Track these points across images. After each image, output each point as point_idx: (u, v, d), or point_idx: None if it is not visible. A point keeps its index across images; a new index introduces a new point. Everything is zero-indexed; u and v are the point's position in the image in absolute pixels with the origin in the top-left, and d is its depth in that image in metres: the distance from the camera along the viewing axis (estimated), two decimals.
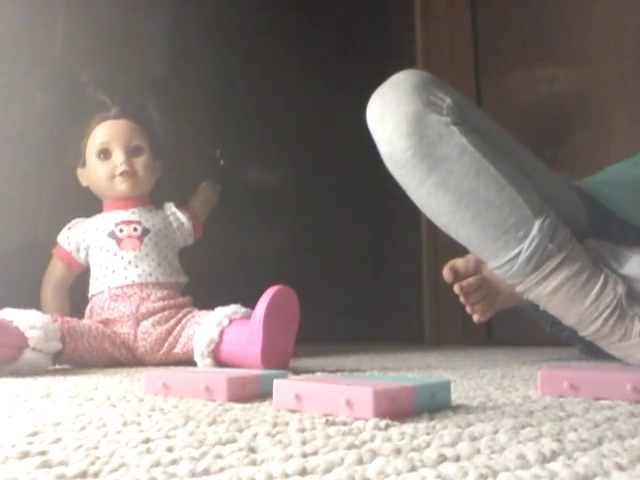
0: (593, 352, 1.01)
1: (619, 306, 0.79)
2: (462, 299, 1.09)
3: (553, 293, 0.80)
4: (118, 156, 1.10)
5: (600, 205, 0.97)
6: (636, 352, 0.79)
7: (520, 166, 0.84)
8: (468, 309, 1.10)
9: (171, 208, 1.15)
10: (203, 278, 1.23)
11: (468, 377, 0.78)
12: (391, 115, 0.80)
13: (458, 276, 1.08)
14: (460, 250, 0.94)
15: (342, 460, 0.32)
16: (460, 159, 0.79)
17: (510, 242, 0.79)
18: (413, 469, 0.30)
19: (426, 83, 0.82)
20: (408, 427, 0.41)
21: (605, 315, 0.79)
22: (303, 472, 0.30)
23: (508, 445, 0.36)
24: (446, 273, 1.09)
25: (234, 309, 0.94)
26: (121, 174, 1.09)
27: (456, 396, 0.57)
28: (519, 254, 0.79)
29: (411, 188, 0.82)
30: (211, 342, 0.91)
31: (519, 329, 1.27)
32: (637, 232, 0.95)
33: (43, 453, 0.33)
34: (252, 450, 0.34)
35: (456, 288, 1.08)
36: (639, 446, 0.36)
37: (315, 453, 0.34)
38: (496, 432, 0.40)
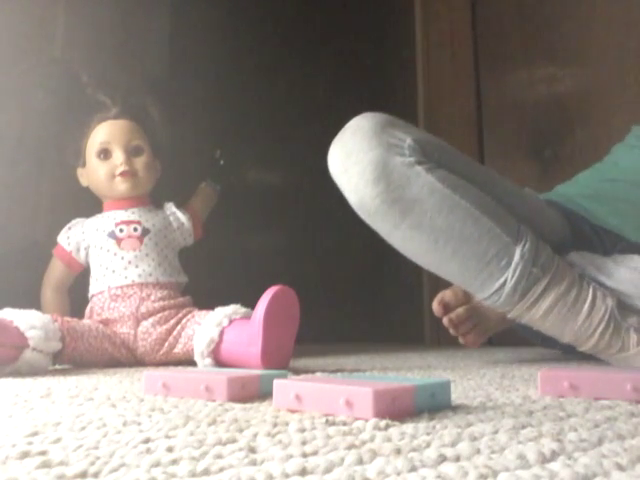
0: (589, 358, 1.01)
1: (612, 319, 0.78)
2: (452, 331, 1.08)
3: (545, 316, 0.80)
4: (118, 156, 1.10)
5: (577, 217, 0.97)
6: (636, 362, 0.79)
7: (490, 192, 0.83)
8: (460, 340, 1.09)
9: (171, 208, 1.15)
10: (203, 278, 1.23)
11: (468, 377, 0.78)
12: (354, 164, 0.78)
13: (448, 308, 1.07)
14: None
15: (342, 460, 0.32)
16: (430, 198, 0.77)
17: (494, 273, 0.78)
18: (413, 469, 0.30)
19: (384, 125, 0.80)
20: (408, 427, 0.41)
21: (600, 330, 0.78)
22: (303, 472, 0.30)
23: (508, 445, 0.36)
24: (436, 308, 1.07)
25: (234, 309, 0.94)
26: (121, 174, 1.09)
27: (456, 396, 0.57)
28: (505, 283, 0.78)
29: (385, 233, 0.81)
30: (211, 342, 0.91)
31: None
32: (615, 239, 0.95)
33: (43, 453, 0.33)
34: (252, 450, 0.34)
35: (445, 321, 1.06)
36: (639, 446, 0.36)
37: (315, 453, 0.34)
38: (496, 432, 0.40)
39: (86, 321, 1.01)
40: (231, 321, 0.92)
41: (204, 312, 1.01)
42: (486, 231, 0.78)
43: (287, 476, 0.29)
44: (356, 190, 0.79)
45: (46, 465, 0.30)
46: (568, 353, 1.14)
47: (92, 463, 0.30)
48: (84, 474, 0.29)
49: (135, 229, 1.08)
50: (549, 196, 1.05)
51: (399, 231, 0.79)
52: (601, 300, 0.79)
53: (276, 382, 0.49)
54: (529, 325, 0.85)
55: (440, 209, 0.77)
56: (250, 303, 0.92)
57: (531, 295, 0.78)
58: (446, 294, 1.07)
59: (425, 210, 0.77)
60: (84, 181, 1.15)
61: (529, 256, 0.78)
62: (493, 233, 0.78)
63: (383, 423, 0.41)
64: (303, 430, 0.40)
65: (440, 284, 1.13)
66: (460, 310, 1.06)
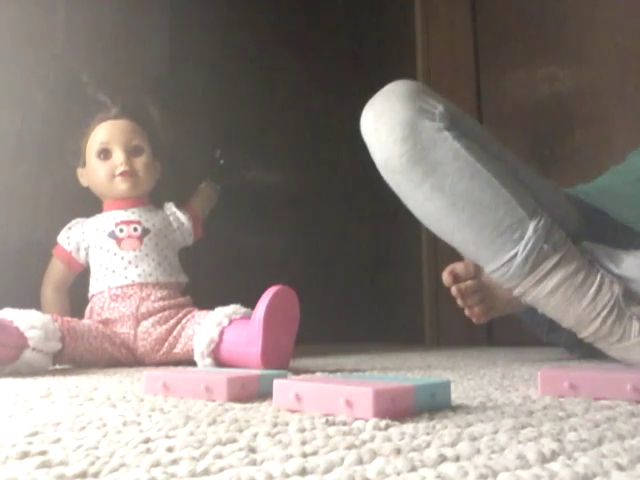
0: (592, 357, 1.01)
1: (616, 306, 0.79)
2: (459, 302, 1.09)
3: (550, 294, 0.80)
4: (118, 156, 1.10)
5: (595, 211, 0.98)
6: (636, 353, 0.79)
7: (514, 172, 0.85)
8: (466, 312, 1.11)
9: (171, 208, 1.15)
10: (203, 278, 1.23)
11: (468, 377, 0.78)
12: (385, 123, 0.81)
13: (458, 280, 1.09)
14: None
15: (342, 460, 0.32)
16: (454, 162, 0.80)
17: (506, 244, 0.80)
18: (413, 469, 0.30)
19: (418, 92, 0.83)
20: (408, 427, 0.41)
21: (603, 315, 0.79)
22: (303, 472, 0.30)
23: (508, 445, 0.36)
24: (446, 277, 1.09)
25: (234, 309, 0.94)
26: (121, 174, 1.09)
27: (456, 396, 0.57)
28: (515, 256, 0.79)
29: (407, 193, 0.83)
30: (211, 342, 0.91)
31: (519, 329, 1.27)
32: (632, 235, 0.95)
33: (43, 453, 0.33)
34: (252, 450, 0.34)
35: (454, 290, 1.08)
36: (639, 446, 0.36)
37: (315, 453, 0.34)
38: (496, 432, 0.40)
39: (86, 321, 1.01)
40: (231, 321, 0.92)
41: (204, 312, 1.01)
42: (504, 202, 0.80)
43: (287, 476, 0.29)
44: (385, 148, 0.81)
45: (46, 465, 0.30)
46: (571, 350, 1.14)
47: (92, 463, 0.30)
48: (84, 474, 0.29)
49: (135, 229, 1.08)
50: (569, 191, 1.05)
51: (420, 192, 0.81)
52: (608, 286, 0.79)
53: (276, 382, 0.49)
54: (535, 310, 0.85)
55: (462, 174, 0.79)
56: (250, 303, 0.92)
57: (540, 271, 0.79)
58: (457, 266, 1.09)
59: (447, 173, 0.80)
60: (84, 181, 1.15)
61: (542, 232, 0.79)
62: (510, 205, 0.80)
63: (383, 423, 0.41)
64: (303, 430, 0.40)
65: (440, 285, 1.13)
66: (469, 282, 1.08)
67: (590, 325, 0.80)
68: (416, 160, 0.80)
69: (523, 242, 0.79)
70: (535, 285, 0.81)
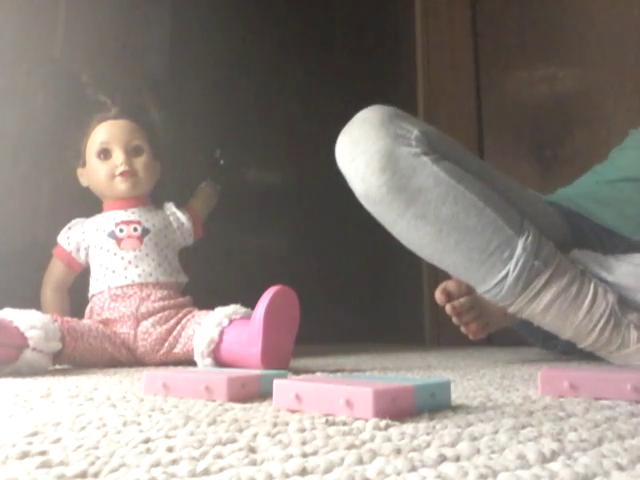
0: (589, 359, 1.01)
1: (613, 315, 0.78)
2: (455, 320, 1.09)
3: (546, 310, 0.80)
4: (118, 156, 1.10)
5: (578, 217, 0.98)
6: (636, 359, 0.79)
7: (494, 188, 0.84)
8: (462, 329, 1.10)
9: (171, 208, 1.15)
10: (203, 278, 1.23)
11: (468, 377, 0.78)
12: (361, 153, 0.79)
13: (451, 298, 1.07)
14: None
15: (342, 460, 0.32)
16: (436, 188, 0.78)
17: (496, 264, 0.79)
18: (413, 469, 0.30)
19: (391, 117, 0.81)
20: (408, 427, 0.41)
21: (600, 325, 0.78)
22: (303, 472, 0.30)
23: (508, 445, 0.35)
24: (438, 296, 1.08)
25: (234, 309, 0.94)
26: (121, 174, 1.09)
27: (456, 396, 0.57)
28: (507, 275, 0.78)
29: (390, 223, 0.81)
30: (211, 342, 0.91)
31: None
32: (616, 239, 0.95)
33: (43, 453, 0.33)
34: (252, 450, 0.34)
35: (448, 309, 1.07)
36: (639, 446, 0.36)
37: (315, 453, 0.33)
38: (496, 432, 0.40)
39: (86, 321, 1.01)
40: (231, 321, 0.92)
41: (204, 312, 1.01)
42: (489, 222, 0.78)
43: (287, 476, 0.29)
44: (362, 179, 0.79)
45: (46, 465, 0.30)
46: (568, 354, 1.14)
47: (92, 463, 0.30)
48: (84, 474, 0.29)
49: (135, 229, 1.08)
50: (550, 198, 1.05)
51: (404, 220, 0.79)
52: (602, 296, 0.79)
53: (276, 382, 0.49)
54: (529, 321, 0.85)
55: (445, 199, 0.78)
56: (250, 303, 0.92)
57: (532, 288, 0.79)
58: (449, 284, 1.08)
59: (430, 200, 0.78)
60: (84, 181, 1.15)
61: (531, 249, 0.78)
62: (496, 225, 0.78)
63: (383, 423, 0.41)
64: (303, 430, 0.40)
65: (439, 283, 1.13)
66: (463, 299, 1.07)
67: (588, 336, 0.80)
68: (396, 190, 0.78)
69: (513, 261, 0.78)
70: (529, 302, 0.80)
